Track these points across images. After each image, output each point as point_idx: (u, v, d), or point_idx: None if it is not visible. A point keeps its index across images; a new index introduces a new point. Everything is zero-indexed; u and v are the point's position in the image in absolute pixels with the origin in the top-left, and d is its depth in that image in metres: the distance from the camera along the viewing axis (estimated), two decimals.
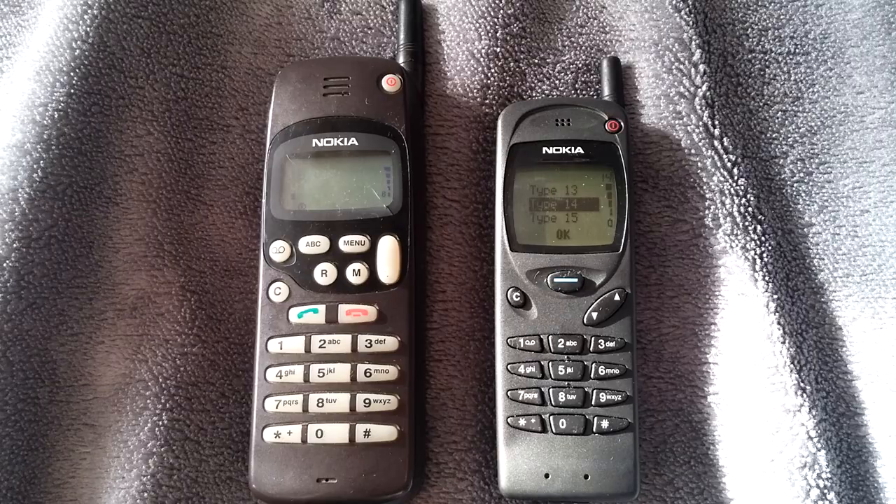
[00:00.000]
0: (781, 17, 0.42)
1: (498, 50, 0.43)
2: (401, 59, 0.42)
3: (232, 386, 0.40)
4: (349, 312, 0.36)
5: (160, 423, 0.38)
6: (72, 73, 0.40)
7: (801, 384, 0.36)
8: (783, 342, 0.37)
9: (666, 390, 0.39)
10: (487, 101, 0.43)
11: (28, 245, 0.38)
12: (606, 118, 0.39)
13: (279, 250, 0.37)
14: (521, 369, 0.37)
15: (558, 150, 0.39)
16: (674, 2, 0.41)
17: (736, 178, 0.39)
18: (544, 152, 0.39)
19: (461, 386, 0.39)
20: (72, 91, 0.40)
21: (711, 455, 0.38)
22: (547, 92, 0.44)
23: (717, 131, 0.39)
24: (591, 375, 0.36)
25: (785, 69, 0.41)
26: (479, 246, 0.41)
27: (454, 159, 0.42)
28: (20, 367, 0.38)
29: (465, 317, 0.40)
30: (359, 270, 0.37)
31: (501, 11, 0.44)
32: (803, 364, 0.37)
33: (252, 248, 0.42)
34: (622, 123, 0.38)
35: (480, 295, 0.40)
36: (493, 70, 0.43)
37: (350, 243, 0.37)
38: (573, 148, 0.39)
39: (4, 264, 0.37)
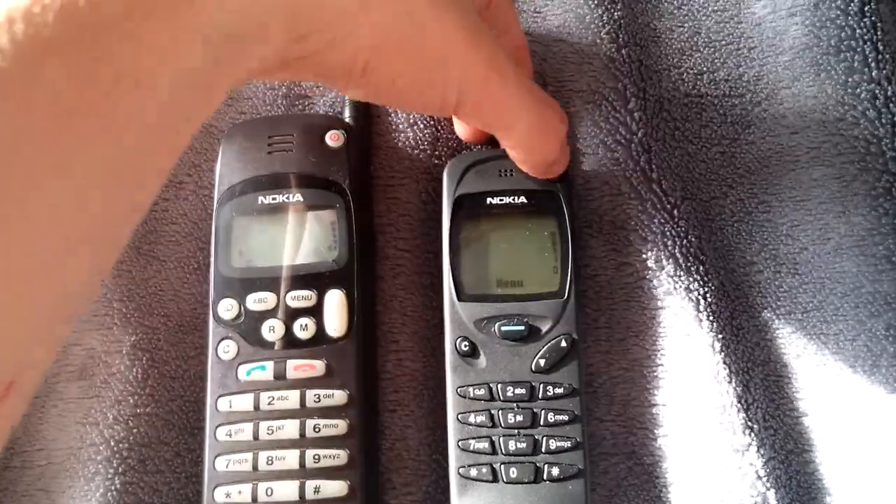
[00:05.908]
0: (716, 60, 0.42)
1: None
2: (346, 114, 0.43)
3: (187, 445, 0.40)
4: (297, 368, 0.36)
5: (113, 487, 0.38)
6: None
7: (749, 423, 0.37)
8: (730, 381, 0.37)
9: (618, 433, 0.39)
10: (437, 153, 0.43)
11: None
12: None
13: (228, 308, 0.38)
14: (472, 418, 0.37)
15: (502, 199, 0.39)
16: (609, 53, 0.42)
17: (677, 219, 0.39)
18: (489, 202, 0.39)
19: (415, 436, 0.39)
20: None
21: (664, 497, 0.38)
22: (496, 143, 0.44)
23: (654, 175, 0.40)
24: (541, 422, 0.36)
25: (721, 112, 0.42)
26: (431, 295, 0.41)
27: (405, 210, 0.42)
28: None
29: (419, 366, 0.40)
30: (306, 325, 0.37)
31: None
32: (750, 403, 0.37)
33: (206, 303, 0.42)
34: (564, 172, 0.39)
35: (433, 343, 0.40)
36: (442, 122, 0.44)
37: (297, 298, 0.37)
38: (517, 197, 0.39)
39: None
